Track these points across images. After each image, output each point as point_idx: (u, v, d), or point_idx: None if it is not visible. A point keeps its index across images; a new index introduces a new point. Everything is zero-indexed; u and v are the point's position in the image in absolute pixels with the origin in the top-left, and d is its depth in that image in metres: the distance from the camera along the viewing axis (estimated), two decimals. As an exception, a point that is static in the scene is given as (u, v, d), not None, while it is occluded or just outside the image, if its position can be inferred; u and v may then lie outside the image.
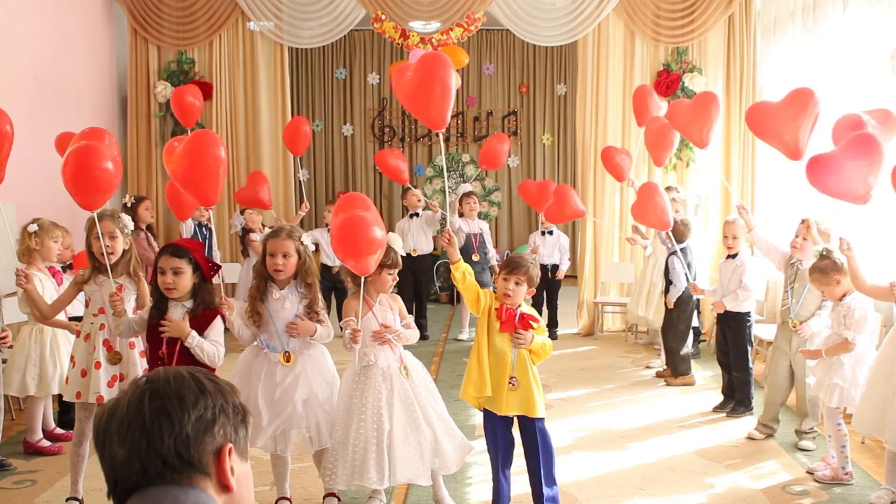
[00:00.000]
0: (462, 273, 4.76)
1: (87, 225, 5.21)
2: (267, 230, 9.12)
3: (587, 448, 6.17)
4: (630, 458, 6.02)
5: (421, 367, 5.00)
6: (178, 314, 4.51)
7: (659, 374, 8.15)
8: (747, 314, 6.97)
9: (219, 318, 4.60)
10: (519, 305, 4.80)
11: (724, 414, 6.98)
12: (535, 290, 4.87)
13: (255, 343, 4.89)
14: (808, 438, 6.17)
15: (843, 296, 5.46)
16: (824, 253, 5.52)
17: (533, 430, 4.84)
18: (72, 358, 5.20)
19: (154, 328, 4.53)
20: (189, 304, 4.54)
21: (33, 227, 6.09)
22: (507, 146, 9.06)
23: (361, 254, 4.50)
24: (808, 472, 5.65)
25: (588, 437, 6.43)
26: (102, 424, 1.71)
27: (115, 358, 5.07)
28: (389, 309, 4.92)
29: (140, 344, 5.21)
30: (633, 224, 9.26)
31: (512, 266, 4.80)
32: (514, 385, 4.74)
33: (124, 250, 5.14)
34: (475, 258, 9.47)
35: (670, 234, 7.31)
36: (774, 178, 9.12)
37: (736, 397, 7.01)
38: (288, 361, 4.76)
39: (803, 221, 6.12)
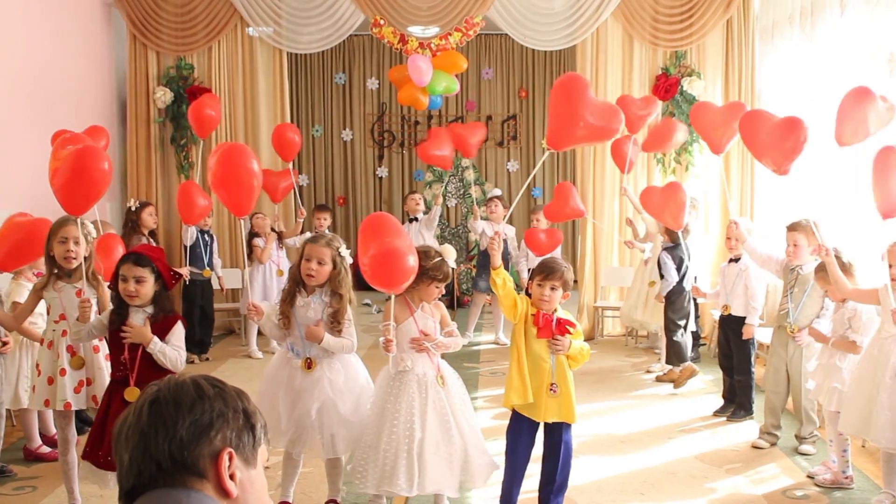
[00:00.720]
0: (503, 279, 4.73)
1: (51, 229, 5.16)
2: (273, 235, 9.22)
3: (588, 452, 6.16)
4: (630, 462, 6.02)
5: (457, 377, 4.96)
6: (139, 320, 4.50)
7: (659, 379, 8.14)
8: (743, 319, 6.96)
9: (179, 323, 4.61)
10: (555, 311, 4.79)
11: (725, 418, 6.97)
12: (569, 294, 4.86)
13: (284, 348, 4.94)
14: (808, 443, 6.16)
15: (845, 298, 5.47)
16: (836, 252, 5.51)
17: (559, 438, 4.84)
18: (37, 366, 5.16)
19: (115, 334, 4.53)
20: (150, 309, 4.54)
21: None
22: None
23: (396, 284, 4.52)
24: (808, 477, 5.65)
25: (588, 441, 6.42)
26: (115, 433, 1.76)
27: (78, 363, 5.04)
28: (431, 316, 4.87)
29: (105, 348, 5.17)
30: (628, 217, 9.26)
31: (547, 271, 4.79)
32: (555, 392, 4.73)
33: (85, 257, 5.10)
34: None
35: (666, 231, 7.37)
36: (773, 183, 9.11)
37: (737, 401, 7.00)
38: (309, 368, 4.79)
39: (788, 230, 6.15)
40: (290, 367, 4.86)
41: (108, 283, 4.88)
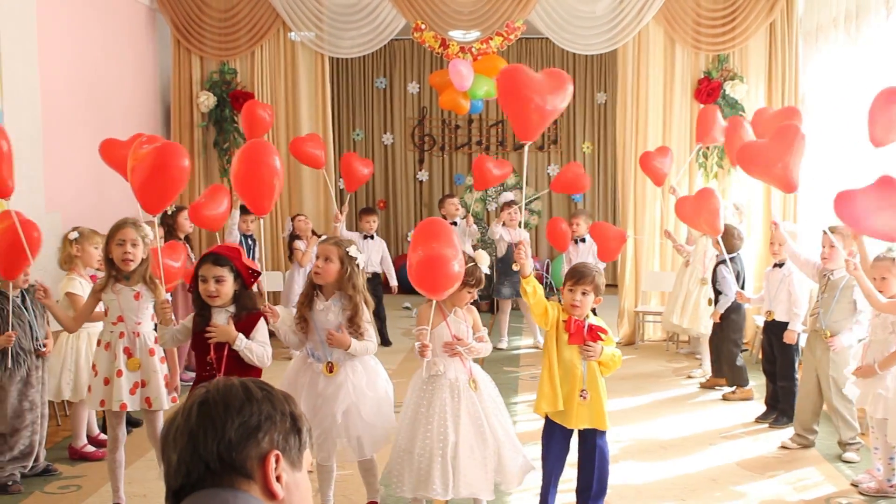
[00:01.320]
0: (533, 287, 4.74)
1: (109, 232, 5.25)
2: (315, 239, 9.28)
3: (628, 458, 6.14)
4: (671, 468, 5.99)
5: (489, 380, 4.97)
6: (222, 320, 4.54)
7: (703, 386, 8.08)
8: (785, 324, 6.89)
9: (262, 320, 4.65)
10: (587, 317, 4.79)
11: (767, 424, 6.92)
12: (601, 298, 4.85)
13: (303, 353, 4.95)
14: (851, 450, 6.09)
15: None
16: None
17: (593, 444, 4.85)
18: (93, 367, 5.24)
19: (199, 335, 4.57)
20: (231, 309, 4.59)
21: (74, 235, 6.16)
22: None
23: (439, 290, 4.54)
24: (852, 485, 5.59)
25: (629, 446, 6.40)
26: (164, 433, 1.79)
27: (134, 364, 5.12)
28: (463, 321, 4.88)
29: (160, 351, 5.26)
30: (666, 229, 9.22)
31: (577, 276, 4.81)
32: (585, 398, 4.73)
33: (143, 259, 5.17)
34: (516, 268, 9.44)
35: (720, 241, 7.28)
36: (817, 186, 9.03)
37: (779, 407, 6.94)
38: (331, 372, 4.80)
39: (824, 233, 6.07)
40: (310, 371, 4.87)
41: (188, 286, 4.93)
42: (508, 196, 10.64)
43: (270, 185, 5.05)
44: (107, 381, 5.11)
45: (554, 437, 4.91)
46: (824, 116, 8.80)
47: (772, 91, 9.89)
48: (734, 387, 7.75)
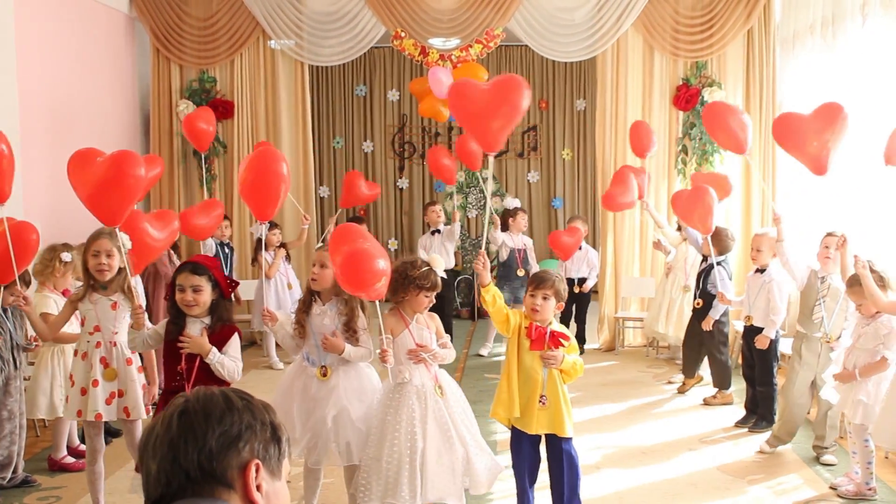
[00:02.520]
0: (492, 296, 4.77)
1: (86, 243, 5.24)
2: (281, 251, 9.24)
3: (609, 464, 6.16)
4: (652, 473, 6.01)
5: (456, 386, 5.00)
6: (195, 330, 4.51)
7: (680, 391, 8.11)
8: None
9: (236, 334, 4.62)
10: (549, 323, 4.82)
11: (747, 429, 6.96)
12: (563, 304, 4.88)
13: (299, 357, 4.97)
14: (830, 453, 6.13)
15: (878, 312, 5.40)
16: (870, 265, 5.47)
17: (560, 450, 4.86)
18: (70, 377, 5.22)
19: (171, 344, 4.53)
20: (207, 320, 4.56)
21: (67, 257, 6.15)
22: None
23: (365, 286, 4.53)
24: (831, 488, 5.63)
25: (610, 452, 6.42)
26: (143, 442, 1.78)
27: (111, 374, 5.10)
28: (426, 327, 4.91)
29: (137, 360, 5.25)
30: (655, 240, 9.26)
31: (538, 281, 4.85)
32: (544, 403, 4.76)
33: (120, 269, 5.16)
34: (520, 273, 9.46)
35: (709, 240, 7.30)
36: (794, 192, 9.09)
37: (759, 412, 6.98)
38: (325, 376, 4.82)
39: (832, 234, 6.06)
40: (305, 375, 4.90)
41: (165, 295, 4.91)
42: (514, 202, 10.64)
43: (277, 191, 5.07)
44: (83, 392, 5.09)
45: (521, 443, 4.94)
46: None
47: (750, 97, 9.96)
48: (717, 389, 7.77)
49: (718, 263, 7.34)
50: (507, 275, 9.54)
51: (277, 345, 8.85)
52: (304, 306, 4.95)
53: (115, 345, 5.14)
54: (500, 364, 9.13)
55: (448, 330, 9.75)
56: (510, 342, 4.89)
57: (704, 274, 7.68)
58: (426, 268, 4.79)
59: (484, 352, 9.67)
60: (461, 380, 8.42)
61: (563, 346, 4.78)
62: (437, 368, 4.90)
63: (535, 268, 9.61)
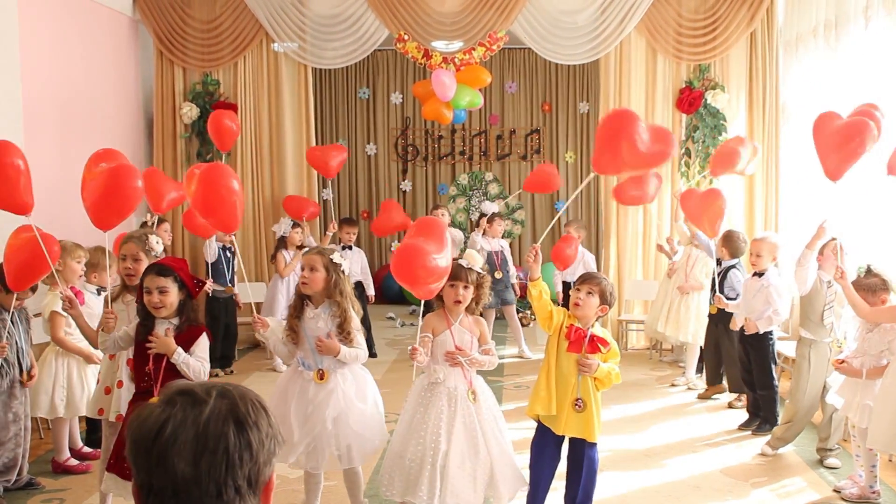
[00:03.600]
0: (539, 291, 4.77)
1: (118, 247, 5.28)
2: (299, 252, 9.26)
3: (612, 467, 6.14)
4: (655, 476, 6.01)
5: (491, 394, 4.95)
6: (162, 331, 4.51)
7: (702, 396, 8.07)
8: (769, 333, 6.92)
9: (204, 335, 4.59)
10: (591, 326, 4.80)
11: (750, 432, 6.95)
12: (608, 307, 4.87)
13: (294, 362, 4.95)
14: (833, 456, 6.12)
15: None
16: (871, 269, 5.46)
17: (582, 455, 4.85)
18: (98, 375, 5.25)
19: (141, 345, 4.53)
20: (175, 321, 4.55)
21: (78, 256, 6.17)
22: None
23: (416, 282, 4.54)
24: (834, 491, 5.62)
25: (612, 455, 6.40)
26: (164, 433, 1.65)
27: None
28: (469, 331, 4.87)
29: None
30: (658, 243, 9.27)
31: (584, 278, 4.88)
32: (580, 408, 4.74)
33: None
34: (498, 276, 9.49)
35: (718, 245, 7.30)
36: (798, 197, 9.10)
37: (761, 415, 6.98)
38: (322, 379, 4.82)
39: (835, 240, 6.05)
40: (301, 380, 4.88)
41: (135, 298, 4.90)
42: (490, 207, 10.64)
43: (232, 205, 5.05)
44: (107, 391, 5.12)
45: (546, 444, 4.92)
46: (804, 125, 8.84)
47: (753, 100, 9.97)
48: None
49: (732, 266, 7.34)
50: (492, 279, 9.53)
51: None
52: (296, 311, 4.93)
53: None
54: (501, 366, 9.16)
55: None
56: (550, 341, 4.87)
57: (721, 277, 7.61)
58: (466, 265, 4.81)
59: (497, 360, 9.63)
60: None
61: (600, 350, 4.76)
62: (474, 374, 4.86)
63: (512, 270, 9.66)
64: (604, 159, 4.88)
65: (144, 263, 5.10)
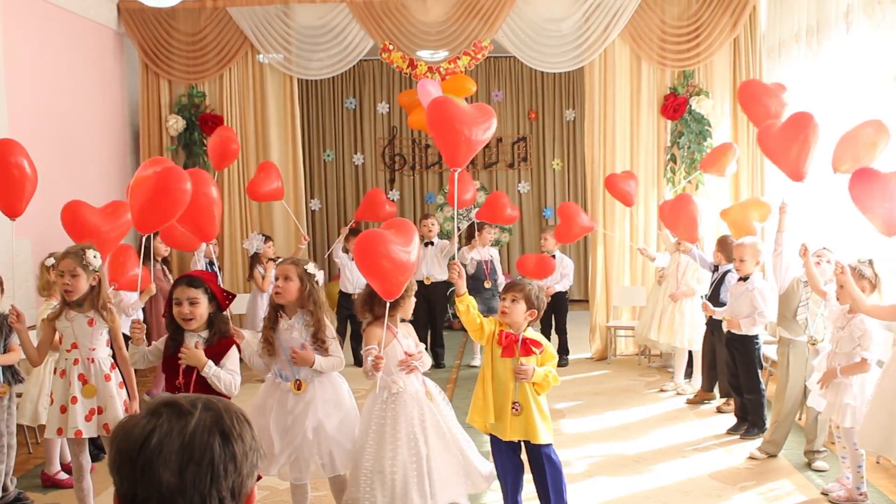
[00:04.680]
0: (466, 306, 4.83)
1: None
2: (272, 264, 9.26)
3: (601, 473, 6.16)
4: (644, 481, 6.02)
5: (439, 390, 5.04)
6: (192, 344, 4.51)
7: (691, 402, 8.08)
8: (755, 337, 6.96)
9: (234, 347, 4.61)
10: (524, 330, 4.84)
11: (738, 436, 6.98)
12: (536, 311, 4.89)
13: (271, 375, 4.94)
14: (821, 458, 6.15)
15: (852, 312, 5.43)
16: (871, 262, 5.49)
17: (539, 457, 4.88)
18: (51, 395, 5.22)
19: (170, 359, 4.53)
20: (204, 333, 4.55)
21: (50, 261, 6.16)
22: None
23: (381, 272, 4.55)
24: (822, 493, 5.64)
25: (602, 461, 6.43)
26: (150, 444, 1.66)
27: (90, 391, 5.09)
28: (410, 336, 4.96)
29: (117, 376, 5.24)
30: (639, 247, 9.31)
31: (508, 286, 4.97)
32: (517, 411, 4.79)
33: (92, 286, 5.15)
34: (487, 285, 9.51)
35: (699, 250, 7.33)
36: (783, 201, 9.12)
37: (749, 419, 7.00)
38: (299, 389, 4.80)
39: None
40: (279, 391, 4.86)
41: (163, 311, 4.89)
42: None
43: (210, 212, 5.06)
44: (63, 409, 5.08)
45: (499, 450, 4.96)
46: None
47: (737, 106, 9.98)
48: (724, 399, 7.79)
49: (728, 272, 7.40)
50: (476, 287, 9.55)
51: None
52: (270, 322, 4.90)
53: (93, 361, 5.13)
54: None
55: (441, 342, 9.83)
56: (485, 351, 4.94)
57: (717, 283, 7.64)
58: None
59: (476, 362, 9.68)
60: (454, 390, 8.44)
61: (534, 353, 4.81)
62: (422, 375, 4.95)
63: (501, 278, 9.68)
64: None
65: (83, 278, 5.08)
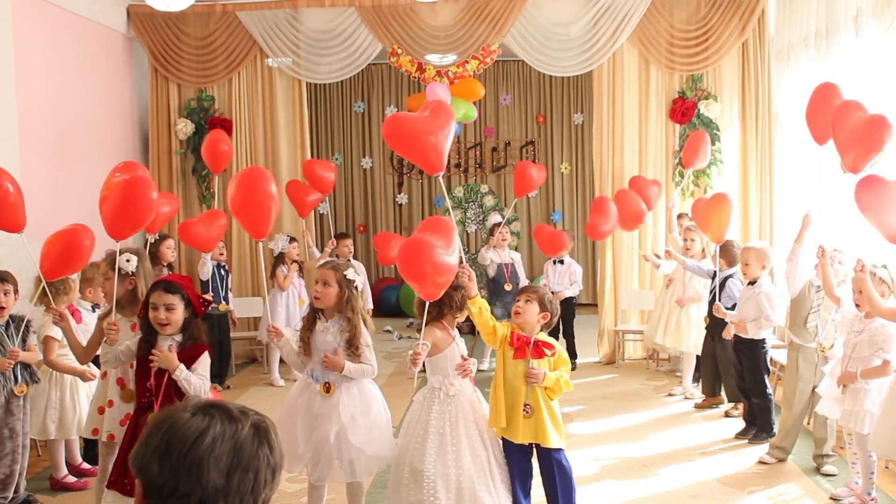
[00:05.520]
0: (478, 308, 4.81)
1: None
2: (294, 266, 9.31)
3: (610, 477, 6.16)
4: (652, 485, 6.02)
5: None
6: (165, 347, 4.51)
7: (700, 406, 8.05)
8: (762, 341, 6.94)
9: (206, 353, 4.61)
10: (535, 334, 4.83)
11: (747, 440, 6.96)
12: (549, 314, 4.89)
13: (305, 375, 4.99)
14: (830, 463, 6.13)
15: (869, 316, 5.40)
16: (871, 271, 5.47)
17: (549, 460, 4.87)
18: (92, 396, 5.26)
19: (143, 360, 4.54)
20: (178, 337, 4.56)
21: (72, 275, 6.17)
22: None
23: (424, 278, 4.53)
24: (831, 498, 5.63)
25: (611, 465, 6.42)
26: (203, 442, 1.71)
27: (128, 396, 5.07)
28: (461, 340, 4.98)
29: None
30: (644, 254, 9.29)
31: (523, 288, 5.02)
32: (528, 413, 4.78)
33: (128, 290, 5.19)
34: (507, 288, 9.48)
35: (716, 255, 7.31)
36: (792, 205, 9.11)
37: (758, 423, 6.98)
38: (328, 392, 4.83)
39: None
40: (309, 392, 4.91)
41: (139, 311, 4.91)
42: (495, 218, 10.66)
43: (267, 209, 5.10)
44: (100, 411, 5.16)
45: (510, 453, 4.94)
46: (797, 134, 8.88)
47: (745, 109, 10.00)
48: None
49: (730, 276, 7.38)
50: (496, 290, 9.57)
51: (281, 361, 8.86)
52: (308, 323, 4.98)
53: (132, 366, 5.12)
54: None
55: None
56: (498, 353, 4.94)
57: (719, 287, 7.56)
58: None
59: (483, 366, 9.67)
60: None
61: (546, 355, 4.80)
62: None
63: (523, 281, 9.64)
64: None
65: (115, 281, 5.13)
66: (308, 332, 4.94)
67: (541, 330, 4.92)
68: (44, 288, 5.85)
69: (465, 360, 4.86)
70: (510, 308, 9.10)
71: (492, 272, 9.67)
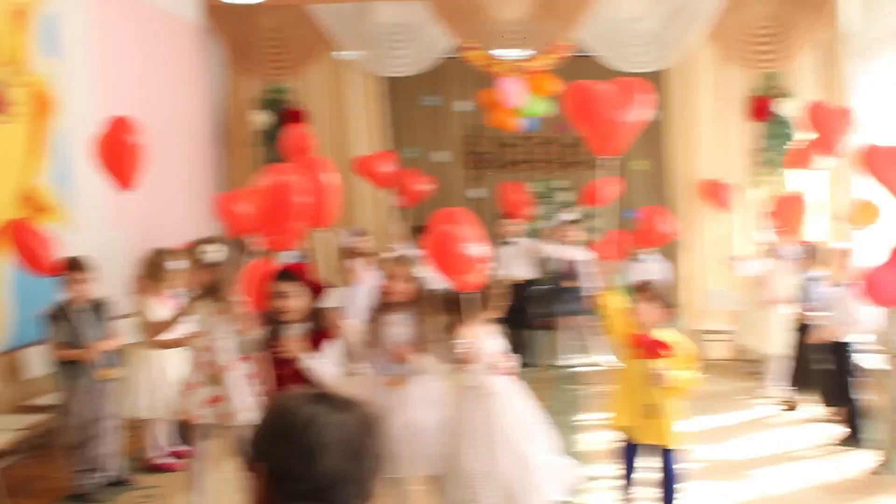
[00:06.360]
0: (606, 302, 4.87)
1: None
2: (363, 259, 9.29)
3: (703, 477, 5.97)
4: (744, 489, 5.93)
5: (518, 387, 5.05)
6: (290, 336, 4.57)
7: (787, 409, 7.93)
8: (847, 344, 6.78)
9: (331, 340, 4.66)
10: (654, 331, 4.78)
11: (840, 445, 6.76)
12: (669, 309, 4.92)
13: (371, 367, 5.00)
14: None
15: None
16: None
17: (664, 461, 4.85)
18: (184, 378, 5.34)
19: (270, 350, 4.60)
20: (303, 326, 4.61)
21: (172, 265, 6.27)
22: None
23: (455, 270, 4.56)
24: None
25: (703, 466, 6.25)
26: (314, 429, 1.74)
27: (213, 379, 5.17)
28: (496, 336, 4.96)
29: (242, 369, 5.26)
30: (730, 256, 9.13)
31: (640, 287, 4.97)
32: (651, 414, 4.72)
33: (219, 279, 5.24)
34: (566, 284, 9.39)
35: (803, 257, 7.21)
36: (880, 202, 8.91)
37: (846, 429, 6.81)
38: (396, 385, 4.83)
39: None
40: (374, 384, 4.93)
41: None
42: (565, 216, 10.60)
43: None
44: (188, 393, 5.19)
45: (625, 452, 4.97)
46: (876, 133, 8.66)
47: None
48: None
49: (817, 278, 7.25)
50: (555, 287, 9.48)
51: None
52: (377, 316, 4.99)
53: (216, 351, 5.20)
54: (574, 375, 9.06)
55: (523, 341, 9.67)
56: (621, 351, 4.93)
57: (806, 289, 7.45)
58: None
59: (564, 362, 9.59)
60: (539, 390, 8.33)
61: (659, 354, 4.72)
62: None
63: (588, 280, 9.50)
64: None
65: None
66: (375, 325, 4.95)
67: (662, 324, 4.86)
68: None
69: (497, 356, 4.82)
70: (571, 307, 9.07)
71: (555, 265, 9.57)
